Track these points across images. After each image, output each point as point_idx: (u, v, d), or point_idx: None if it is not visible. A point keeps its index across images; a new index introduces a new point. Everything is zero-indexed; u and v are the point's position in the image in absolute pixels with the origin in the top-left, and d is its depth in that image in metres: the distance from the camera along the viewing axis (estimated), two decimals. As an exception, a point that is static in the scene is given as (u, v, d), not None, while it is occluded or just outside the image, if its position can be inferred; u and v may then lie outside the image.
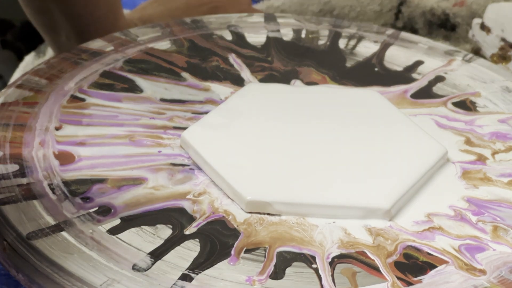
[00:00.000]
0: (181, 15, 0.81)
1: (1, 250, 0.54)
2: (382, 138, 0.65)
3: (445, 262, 0.56)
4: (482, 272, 0.56)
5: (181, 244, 0.56)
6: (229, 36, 0.75)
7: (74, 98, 0.66)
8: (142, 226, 0.57)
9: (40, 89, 0.67)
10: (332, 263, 0.55)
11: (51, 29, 0.79)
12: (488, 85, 0.72)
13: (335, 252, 0.56)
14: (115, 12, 0.79)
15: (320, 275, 0.54)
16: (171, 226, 0.57)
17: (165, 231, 0.56)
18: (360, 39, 0.77)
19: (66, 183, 0.59)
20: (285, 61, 0.73)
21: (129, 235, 0.56)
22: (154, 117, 0.66)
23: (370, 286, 0.54)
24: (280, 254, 0.56)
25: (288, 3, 0.93)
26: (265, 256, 0.55)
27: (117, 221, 0.57)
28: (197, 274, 0.54)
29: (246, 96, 0.67)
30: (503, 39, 0.79)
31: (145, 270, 0.53)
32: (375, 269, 0.55)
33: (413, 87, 0.72)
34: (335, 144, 0.64)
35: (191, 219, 0.58)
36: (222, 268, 0.54)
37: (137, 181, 0.60)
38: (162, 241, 0.56)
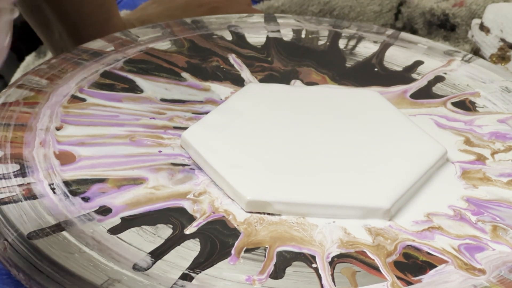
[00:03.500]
0: (180, 16, 0.81)
1: (2, 249, 0.54)
2: (381, 138, 0.65)
3: (445, 261, 0.56)
4: (482, 271, 0.56)
5: (182, 244, 0.56)
6: (229, 37, 0.75)
7: (74, 98, 0.66)
8: (143, 226, 0.57)
9: (41, 89, 0.67)
10: (332, 263, 0.55)
11: (44, 27, 0.79)
12: (487, 85, 0.72)
13: (335, 251, 0.56)
14: (106, 10, 0.79)
15: (320, 275, 0.55)
16: (171, 226, 0.57)
17: (165, 231, 0.57)
18: (360, 39, 0.77)
19: (67, 183, 0.59)
20: (285, 61, 0.73)
21: (130, 234, 0.56)
22: (154, 117, 0.66)
23: (370, 285, 0.54)
24: (280, 254, 0.56)
25: (288, 4, 0.94)
26: (265, 256, 0.55)
27: (117, 221, 0.57)
28: (197, 273, 0.54)
29: (246, 96, 0.67)
30: (502, 40, 0.80)
31: (146, 270, 0.54)
32: (375, 268, 0.55)
33: (413, 87, 0.72)
34: (335, 144, 0.64)
35: (191, 218, 0.58)
36: (222, 267, 0.54)
37: (137, 181, 0.60)
38: (162, 241, 0.56)
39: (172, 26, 0.76)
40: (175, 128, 0.65)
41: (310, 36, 0.77)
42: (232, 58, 0.73)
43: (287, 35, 0.77)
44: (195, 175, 0.61)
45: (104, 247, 0.55)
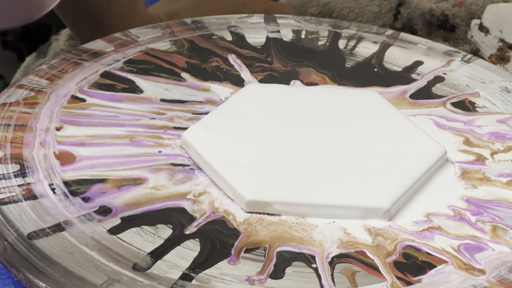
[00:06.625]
0: (209, 10, 0.81)
1: (2, 250, 0.54)
2: (381, 138, 0.65)
3: (444, 261, 0.56)
4: (481, 271, 0.56)
5: (181, 244, 0.56)
6: (229, 37, 0.75)
7: (74, 99, 0.66)
8: (143, 226, 0.57)
9: (41, 90, 0.67)
10: (332, 263, 0.55)
11: (70, 16, 0.80)
12: (487, 86, 0.72)
13: (335, 251, 0.56)
14: (132, 1, 0.79)
15: (320, 275, 0.55)
16: (171, 226, 0.57)
17: (165, 231, 0.57)
18: (359, 39, 0.77)
19: (67, 183, 0.59)
20: (285, 62, 0.73)
21: (130, 235, 0.56)
22: (154, 118, 0.66)
23: (370, 285, 0.54)
24: (280, 254, 0.56)
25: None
26: (265, 256, 0.55)
27: (117, 221, 0.57)
28: (197, 273, 0.54)
29: (246, 96, 0.68)
30: (502, 40, 0.80)
31: (146, 270, 0.54)
32: (375, 268, 0.55)
33: (413, 87, 0.72)
34: (335, 144, 0.64)
35: (191, 219, 0.58)
36: (222, 267, 0.54)
37: (137, 181, 0.60)
38: (162, 241, 0.56)
39: (172, 27, 0.76)
40: (175, 128, 0.65)
41: (310, 37, 0.77)
42: (232, 58, 0.73)
43: (287, 35, 0.77)
44: (195, 175, 0.61)
45: (104, 247, 0.55)
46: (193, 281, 0.53)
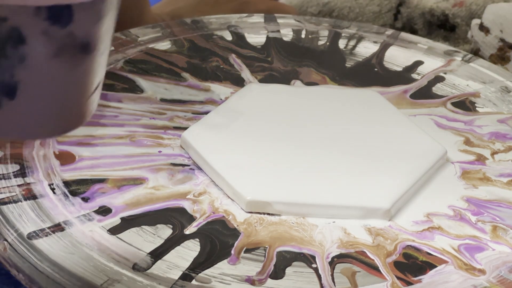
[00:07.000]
0: (210, 10, 0.81)
1: (1, 250, 0.54)
2: (381, 138, 0.65)
3: (445, 262, 0.56)
4: (482, 272, 0.56)
5: (181, 244, 0.56)
6: (229, 37, 0.75)
7: (74, 98, 0.66)
8: (143, 226, 0.57)
9: (41, 89, 0.67)
10: (332, 263, 0.55)
11: None
12: (487, 85, 0.72)
13: (335, 251, 0.56)
14: (140, 6, 0.79)
15: (320, 275, 0.55)
16: (171, 226, 0.57)
17: (165, 231, 0.57)
18: (359, 39, 0.77)
19: (67, 183, 0.59)
20: (285, 62, 0.73)
21: (130, 235, 0.56)
22: (154, 117, 0.66)
23: (370, 285, 0.54)
24: (280, 254, 0.56)
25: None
26: (265, 256, 0.55)
27: (117, 221, 0.57)
28: (197, 273, 0.54)
29: (246, 96, 0.67)
30: (502, 40, 0.80)
31: (146, 270, 0.54)
32: (375, 268, 0.55)
33: (413, 87, 0.72)
34: (335, 144, 0.64)
35: (191, 219, 0.58)
36: (222, 267, 0.54)
37: (137, 181, 0.60)
38: (162, 241, 0.56)
39: (172, 26, 0.76)
40: (175, 128, 0.65)
41: (310, 36, 0.77)
42: (232, 58, 0.73)
43: (287, 35, 0.77)
44: (195, 175, 0.61)
45: (104, 247, 0.55)
46: (193, 281, 0.53)
